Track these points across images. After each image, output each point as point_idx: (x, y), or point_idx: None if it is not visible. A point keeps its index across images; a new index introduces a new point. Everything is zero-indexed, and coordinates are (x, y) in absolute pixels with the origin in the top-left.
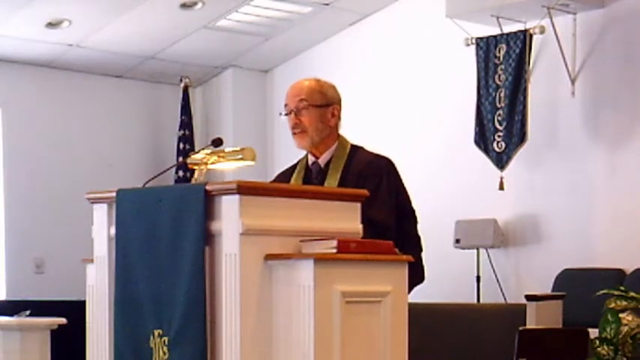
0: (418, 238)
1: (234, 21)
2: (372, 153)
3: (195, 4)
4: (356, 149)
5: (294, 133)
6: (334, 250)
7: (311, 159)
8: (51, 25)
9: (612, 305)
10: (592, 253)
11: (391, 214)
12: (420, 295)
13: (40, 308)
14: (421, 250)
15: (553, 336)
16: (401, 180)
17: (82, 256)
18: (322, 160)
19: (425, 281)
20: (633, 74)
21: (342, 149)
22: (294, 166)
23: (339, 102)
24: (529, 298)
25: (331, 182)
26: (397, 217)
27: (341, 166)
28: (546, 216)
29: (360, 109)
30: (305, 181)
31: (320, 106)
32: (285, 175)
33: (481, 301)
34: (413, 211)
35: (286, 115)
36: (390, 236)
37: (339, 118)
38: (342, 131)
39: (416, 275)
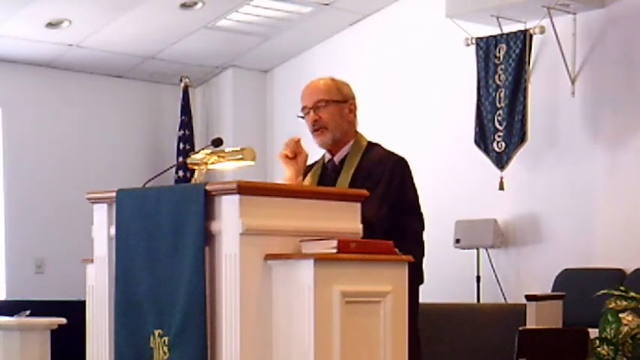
0: (421, 240)
1: (234, 21)
2: (386, 151)
3: (195, 4)
4: (372, 147)
5: (314, 131)
6: (334, 250)
7: (327, 156)
8: (51, 25)
9: (612, 305)
10: (592, 253)
11: (380, 212)
12: (420, 295)
13: (40, 308)
14: (422, 253)
15: (553, 336)
16: (410, 180)
17: (82, 256)
18: (337, 158)
19: (425, 282)
20: (633, 74)
21: (358, 147)
22: (313, 164)
23: (354, 99)
24: (529, 298)
25: (343, 180)
26: (399, 213)
27: (354, 164)
28: (546, 216)
29: (359, 110)
30: (320, 179)
31: (338, 101)
32: (305, 172)
33: (481, 301)
34: (419, 213)
35: (304, 115)
36: (377, 233)
37: (355, 114)
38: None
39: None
